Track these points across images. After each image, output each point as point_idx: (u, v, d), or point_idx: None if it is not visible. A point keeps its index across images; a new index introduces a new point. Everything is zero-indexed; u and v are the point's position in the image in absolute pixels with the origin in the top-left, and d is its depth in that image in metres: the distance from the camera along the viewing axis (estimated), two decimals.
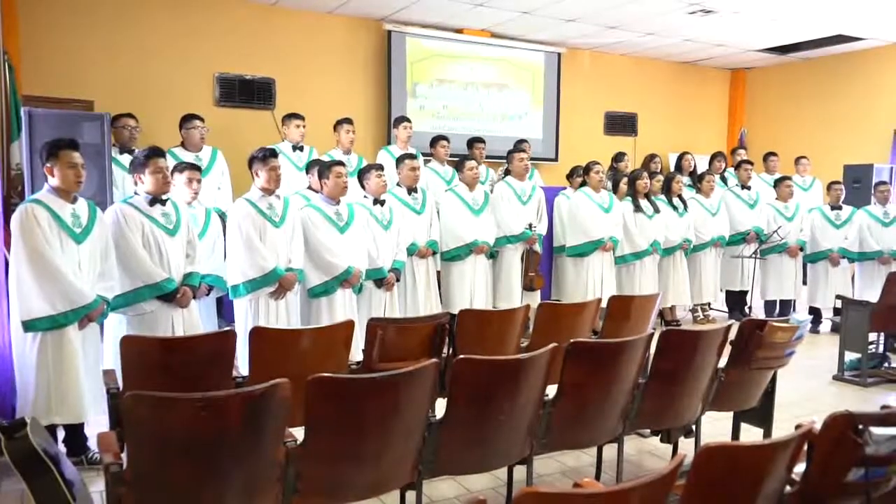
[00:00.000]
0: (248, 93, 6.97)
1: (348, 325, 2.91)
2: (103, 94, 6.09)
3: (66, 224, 3.17)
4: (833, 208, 6.75)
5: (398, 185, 5.31)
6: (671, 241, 6.44)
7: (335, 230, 4.37)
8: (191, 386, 2.05)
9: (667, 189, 6.61)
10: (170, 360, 2.57)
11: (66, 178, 3.19)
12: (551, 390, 2.59)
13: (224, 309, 4.71)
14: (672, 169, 8.13)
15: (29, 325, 3.08)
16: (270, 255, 4.00)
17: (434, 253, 5.33)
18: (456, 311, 3.31)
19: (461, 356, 2.31)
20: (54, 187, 3.21)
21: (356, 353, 3.26)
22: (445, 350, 3.12)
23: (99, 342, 3.39)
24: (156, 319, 3.53)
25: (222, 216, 4.66)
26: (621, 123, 9.38)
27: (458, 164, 5.79)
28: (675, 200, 6.57)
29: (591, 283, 6.02)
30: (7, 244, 3.22)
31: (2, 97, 4.38)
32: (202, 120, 5.48)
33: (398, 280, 4.80)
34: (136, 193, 3.67)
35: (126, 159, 5.03)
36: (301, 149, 6.02)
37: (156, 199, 3.62)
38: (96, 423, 3.05)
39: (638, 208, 6.30)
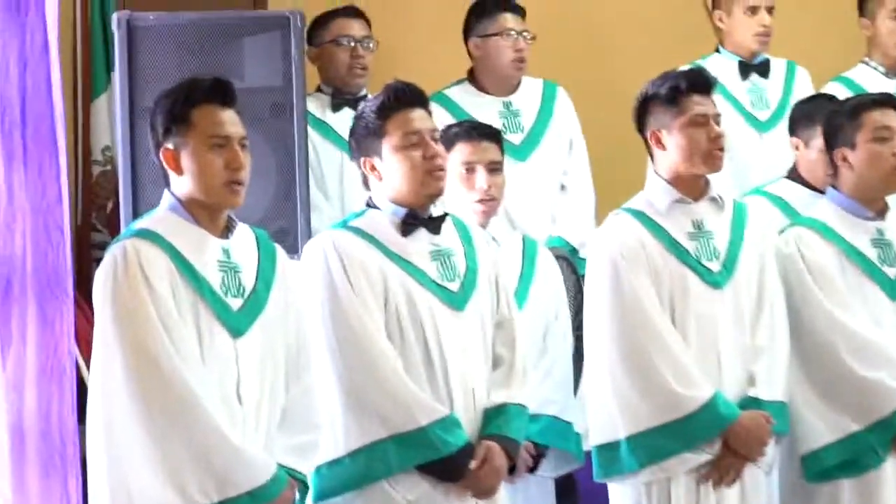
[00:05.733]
0: None
1: None
2: None
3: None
4: None
5: None
6: None
7: None
8: None
9: None
10: None
11: (209, 169, 1.97)
12: None
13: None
14: None
15: None
16: None
17: None
18: None
19: None
20: (183, 198, 1.99)
21: None
22: None
23: None
24: None
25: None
26: None
27: None
28: None
29: None
30: (82, 336, 2.22)
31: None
32: None
33: None
34: (368, 205, 2.27)
35: (344, 118, 3.34)
36: None
37: (415, 217, 2.24)
38: None
39: None
